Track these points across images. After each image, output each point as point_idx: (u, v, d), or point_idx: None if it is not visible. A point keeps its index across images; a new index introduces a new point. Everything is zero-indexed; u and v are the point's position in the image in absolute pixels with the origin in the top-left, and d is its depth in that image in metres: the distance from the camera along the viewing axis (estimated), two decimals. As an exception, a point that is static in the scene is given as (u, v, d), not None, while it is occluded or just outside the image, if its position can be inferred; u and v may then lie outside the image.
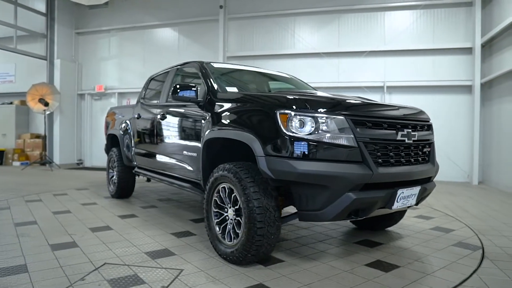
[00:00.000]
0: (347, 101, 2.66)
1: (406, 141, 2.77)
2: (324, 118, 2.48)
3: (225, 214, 2.96)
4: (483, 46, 8.01)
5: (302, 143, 2.46)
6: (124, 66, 10.86)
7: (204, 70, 3.79)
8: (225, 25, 9.90)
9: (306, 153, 2.46)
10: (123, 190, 5.56)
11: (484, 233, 3.91)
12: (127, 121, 5.37)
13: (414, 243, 3.52)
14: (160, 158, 4.34)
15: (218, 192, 3.00)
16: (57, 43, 10.61)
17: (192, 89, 3.45)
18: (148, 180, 5.80)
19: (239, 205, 2.74)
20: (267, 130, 2.58)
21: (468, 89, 8.28)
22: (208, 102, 3.39)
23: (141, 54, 10.70)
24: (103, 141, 11.34)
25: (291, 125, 2.50)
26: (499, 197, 6.27)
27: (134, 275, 2.59)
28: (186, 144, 3.71)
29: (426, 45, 8.55)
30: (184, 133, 3.79)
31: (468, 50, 8.24)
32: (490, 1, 7.91)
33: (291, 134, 2.48)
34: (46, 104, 9.70)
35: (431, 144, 3.10)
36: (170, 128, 4.09)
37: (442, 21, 8.50)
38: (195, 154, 3.52)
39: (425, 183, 2.98)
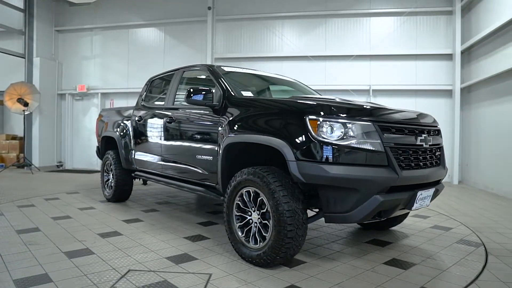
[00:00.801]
0: (373, 107, 2.77)
1: (424, 145, 2.92)
2: (353, 124, 2.58)
3: (249, 217, 2.99)
4: (462, 52, 8.45)
5: (333, 148, 2.55)
6: (107, 66, 10.58)
7: (216, 73, 3.80)
8: (213, 27, 9.88)
9: (337, 157, 2.55)
10: (121, 193, 5.45)
11: (479, 230, 4.15)
12: (126, 123, 5.27)
13: (420, 242, 3.69)
14: (167, 161, 4.30)
15: (241, 196, 3.03)
16: (36, 40, 10.19)
17: (207, 93, 3.46)
18: (145, 183, 5.72)
19: (266, 209, 2.79)
20: (297, 135, 2.65)
21: (448, 93, 8.71)
22: (225, 106, 3.41)
23: (125, 54, 10.47)
24: (85, 142, 11.17)
25: (321, 131, 2.57)
26: (481, 196, 6.64)
27: (164, 281, 2.58)
28: (199, 147, 3.71)
29: (409, 50, 8.91)
30: (197, 137, 3.78)
31: (449, 56, 8.67)
32: (469, 10, 8.36)
33: (321, 139, 2.56)
34: (26, 104, 9.30)
35: (441, 148, 3.27)
36: (179, 132, 4.07)
37: (424, 28, 8.89)
38: (210, 158, 3.53)
39: (437, 185, 3.15)
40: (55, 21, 10.79)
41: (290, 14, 9.62)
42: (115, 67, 10.51)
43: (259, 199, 2.87)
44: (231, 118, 3.26)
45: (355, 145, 2.56)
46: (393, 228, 4.19)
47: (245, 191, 2.99)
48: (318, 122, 2.59)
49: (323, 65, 9.49)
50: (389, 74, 9.10)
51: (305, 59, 9.50)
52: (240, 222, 3.05)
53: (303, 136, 2.62)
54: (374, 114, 2.68)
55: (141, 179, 5.42)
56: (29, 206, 5.14)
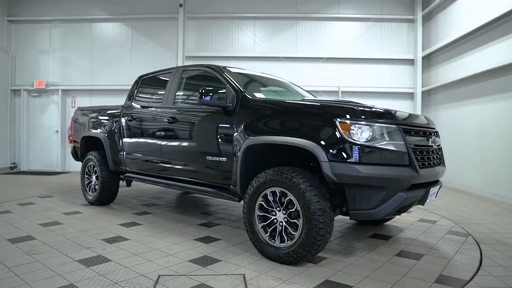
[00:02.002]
0: (396, 112, 2.96)
1: (433, 146, 3.18)
2: (380, 126, 2.75)
3: (273, 217, 3.05)
4: (423, 58, 9.15)
5: (363, 149, 2.70)
6: (69, 61, 9.91)
7: (225, 75, 3.79)
8: (184, 24, 9.69)
9: (366, 158, 2.70)
10: (107, 196, 5.21)
11: (460, 222, 4.59)
12: (113, 123, 5.04)
13: (416, 234, 4.00)
14: (168, 163, 4.19)
15: (265, 196, 3.08)
16: (-15, 31, 9.28)
17: (220, 94, 3.46)
18: (128, 185, 5.51)
19: (295, 208, 2.87)
20: (329, 137, 2.75)
21: (410, 96, 9.39)
22: (239, 108, 3.42)
23: (88, 49, 9.89)
24: (43, 142, 10.36)
25: (352, 133, 2.71)
26: (447, 191, 7.27)
27: (201, 284, 2.56)
28: (209, 149, 3.67)
29: (375, 54, 9.44)
30: (206, 138, 3.74)
31: (411, 61, 9.35)
32: (429, 19, 9.08)
33: (352, 140, 2.70)
34: (-24, 101, 8.43)
35: (441, 148, 3.58)
36: (185, 132, 3.99)
37: (389, 34, 9.48)
38: (223, 159, 3.52)
39: (439, 182, 3.44)
40: (7, 11, 9.88)
41: (262, 15, 9.73)
42: (77, 63, 9.89)
43: (286, 199, 2.94)
44: (250, 120, 3.28)
45: (382, 146, 2.73)
46: (386, 223, 4.48)
47: (270, 192, 3.05)
48: (349, 125, 2.72)
49: (294, 66, 9.73)
50: (356, 77, 9.57)
51: (277, 60, 9.66)
52: (264, 222, 3.10)
53: (335, 138, 2.73)
54: (398, 118, 2.88)
55: (124, 181, 5.22)
56: (4, 212, 4.71)
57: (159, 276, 2.68)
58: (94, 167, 5.26)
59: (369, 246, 3.53)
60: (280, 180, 2.93)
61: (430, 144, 3.13)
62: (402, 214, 4.96)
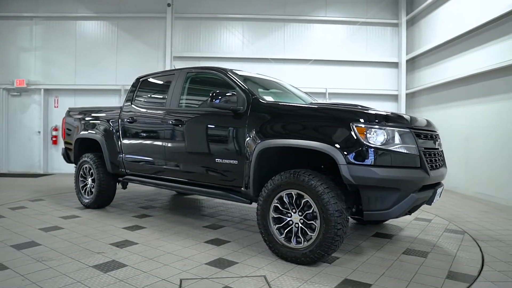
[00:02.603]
0: (408, 116, 3.09)
1: (439, 148, 3.34)
2: (395, 130, 2.86)
3: (288, 218, 3.11)
4: (407, 61, 9.47)
5: (379, 152, 2.80)
6: (51, 60, 9.59)
7: (235, 78, 3.81)
8: (172, 24, 9.59)
9: (382, 160, 2.81)
10: (104, 199, 5.11)
11: (453, 220, 4.81)
12: (111, 124, 4.94)
13: (416, 232, 4.17)
14: (174, 165, 4.16)
15: (280, 198, 3.14)
16: (-39, 26, 8.83)
17: (232, 97, 3.48)
18: (124, 187, 5.41)
19: (312, 210, 2.94)
20: (347, 141, 2.84)
21: (395, 97, 9.70)
22: (251, 111, 3.45)
23: (72, 48, 9.60)
24: (24, 143, 9.95)
25: (368, 137, 2.81)
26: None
27: (226, 287, 2.58)
28: (219, 151, 3.69)
29: (361, 57, 9.70)
30: (216, 140, 3.75)
31: (396, 64, 9.66)
32: (412, 24, 9.41)
33: (369, 144, 2.80)
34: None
35: (443, 151, 3.75)
36: (192, 135, 3.98)
37: (374, 37, 9.75)
38: (235, 162, 3.54)
39: (441, 183, 3.61)
40: (-16, 6, 9.46)
41: (250, 16, 9.77)
42: (61, 62, 9.59)
43: (303, 201, 3.01)
44: (263, 123, 3.33)
45: (397, 150, 2.85)
46: (386, 222, 4.63)
47: (285, 194, 3.10)
48: (365, 129, 2.82)
49: (282, 68, 9.82)
50: (343, 79, 9.79)
51: (265, 61, 9.72)
52: (279, 223, 3.16)
53: (352, 141, 2.82)
54: (410, 122, 3.00)
55: (120, 183, 5.12)
56: (-3, 218, 4.54)
57: (181, 280, 2.68)
58: (90, 169, 5.14)
59: (376, 245, 3.66)
60: (297, 182, 2.99)
61: (436, 146, 3.29)
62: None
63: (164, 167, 4.26)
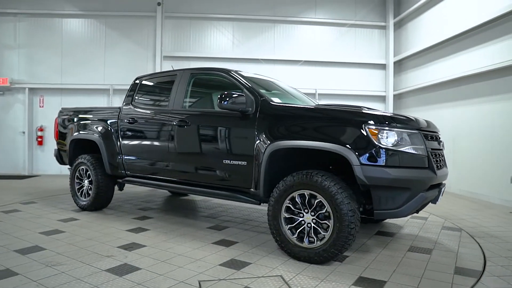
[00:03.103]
0: (417, 118, 3.19)
1: (442, 149, 3.47)
2: (405, 132, 2.96)
3: (300, 219, 3.16)
4: (395, 63, 9.71)
5: (391, 153, 2.89)
6: (36, 58, 9.30)
7: (241, 79, 3.83)
8: (162, 24, 9.48)
9: (394, 161, 2.89)
10: (102, 201, 5.02)
11: (449, 218, 4.99)
12: (110, 125, 4.86)
13: (416, 230, 4.30)
14: (178, 166, 4.14)
15: (292, 199, 3.18)
16: None
17: (241, 98, 3.50)
18: (121, 188, 5.32)
19: (326, 210, 3.00)
20: (360, 142, 2.91)
21: (383, 98, 9.92)
22: (261, 112, 3.48)
23: (58, 46, 9.34)
24: (7, 144, 9.61)
25: (380, 138, 2.89)
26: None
27: (246, 287, 2.60)
28: (227, 152, 3.69)
29: (349, 59, 9.86)
30: (223, 142, 3.75)
31: (383, 66, 9.88)
32: (399, 27, 9.65)
33: (381, 145, 2.88)
34: None
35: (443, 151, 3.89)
36: (198, 136, 3.96)
37: (362, 39, 9.94)
38: (244, 163, 3.55)
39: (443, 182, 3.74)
40: (-36, 1, 9.08)
41: (240, 16, 9.78)
42: (46, 60, 9.31)
43: (316, 201, 3.06)
44: (273, 125, 3.36)
45: (407, 150, 2.94)
46: (384, 221, 4.75)
47: (298, 194, 3.15)
48: (378, 131, 2.90)
49: (273, 68, 9.88)
50: (332, 79, 9.94)
51: (255, 62, 9.75)
52: (291, 224, 3.20)
53: (365, 143, 2.90)
54: (419, 124, 3.11)
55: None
56: (-9, 222, 4.39)
57: (200, 282, 2.68)
58: (87, 171, 5.04)
59: (380, 243, 3.76)
60: (310, 183, 3.04)
61: (440, 147, 3.41)
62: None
63: (168, 168, 4.23)
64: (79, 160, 5.12)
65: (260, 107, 3.51)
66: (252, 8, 9.84)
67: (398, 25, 9.67)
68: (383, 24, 9.84)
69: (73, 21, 9.43)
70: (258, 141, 3.42)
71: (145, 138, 4.52)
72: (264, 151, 3.34)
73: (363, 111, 3.12)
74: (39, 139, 9.25)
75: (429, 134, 3.22)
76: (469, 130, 6.89)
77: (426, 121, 3.46)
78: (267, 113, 3.46)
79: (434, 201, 3.32)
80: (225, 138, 3.76)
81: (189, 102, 4.26)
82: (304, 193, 3.12)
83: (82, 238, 3.75)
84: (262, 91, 4.00)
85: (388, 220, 4.74)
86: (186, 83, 4.28)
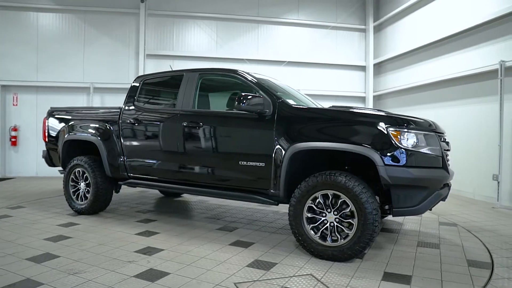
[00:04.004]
0: (432, 121, 3.36)
1: (450, 150, 3.69)
2: (423, 134, 3.13)
3: (323, 218, 3.24)
4: (374, 65, 10.08)
5: (411, 154, 3.04)
6: (9, 54, 8.74)
7: (256, 81, 3.85)
8: (145, 21, 9.24)
9: (415, 161, 3.05)
10: (101, 204, 4.85)
11: (441, 214, 5.27)
12: (110, 126, 4.70)
13: (416, 226, 4.53)
14: (190, 168, 4.08)
15: (314, 199, 3.26)
16: None
17: (258, 99, 3.53)
18: (117, 191, 5.17)
19: (349, 209, 3.10)
20: (383, 144, 3.04)
21: (362, 99, 10.28)
22: (279, 114, 3.52)
23: (33, 41, 8.85)
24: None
25: (402, 140, 3.04)
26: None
27: (283, 286, 2.65)
28: (243, 154, 3.70)
29: (331, 60, 10.12)
30: (240, 143, 3.75)
31: (363, 68, 10.23)
32: (379, 30, 10.03)
33: (402, 147, 3.02)
34: None
35: (444, 151, 4.13)
36: (211, 138, 3.94)
37: (343, 41, 10.23)
38: (261, 164, 3.58)
39: None
40: None
41: (224, 16, 9.74)
42: (20, 56, 8.79)
43: (339, 200, 3.16)
44: (294, 127, 3.41)
45: (425, 151, 3.11)
46: (384, 218, 4.94)
47: (321, 194, 3.23)
48: (399, 133, 3.04)
49: (256, 69, 9.89)
50: (314, 80, 10.15)
51: (240, 62, 9.74)
52: (313, 223, 3.28)
53: (388, 144, 3.03)
54: (434, 126, 3.29)
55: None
56: (-16, 229, 4.12)
57: (236, 284, 2.69)
58: (83, 173, 4.85)
59: (390, 240, 3.93)
60: (334, 183, 3.13)
61: (448, 148, 3.62)
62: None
63: (178, 169, 4.16)
64: (75, 162, 4.91)
65: (278, 109, 3.55)
66: (236, 8, 9.83)
67: (378, 29, 10.05)
68: (363, 27, 10.18)
69: (49, 15, 8.97)
70: (278, 142, 3.47)
71: (152, 140, 4.42)
72: (285, 153, 3.39)
73: (384, 113, 3.26)
74: (13, 140, 8.72)
75: (441, 136, 3.42)
76: (453, 130, 7.28)
77: (434, 123, 3.66)
78: (286, 115, 3.51)
79: (444, 198, 3.52)
80: (241, 140, 3.77)
81: (202, 103, 4.22)
82: (327, 193, 3.21)
83: (93, 244, 3.62)
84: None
85: (387, 218, 4.95)
86: (195, 84, 4.23)
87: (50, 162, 5.49)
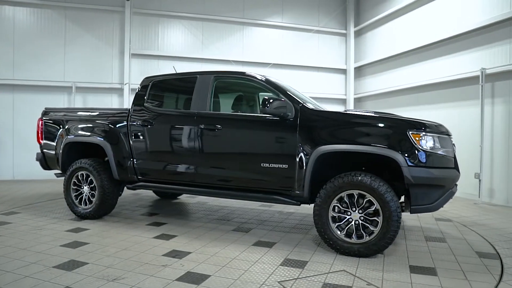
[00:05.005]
0: (443, 125, 3.63)
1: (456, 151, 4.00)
2: (440, 137, 3.39)
3: (348, 216, 3.42)
4: (355, 68, 10.49)
5: (430, 155, 3.29)
6: (-19, 49, 8.21)
7: (277, 85, 3.95)
8: (131, 20, 9.02)
9: (434, 162, 3.31)
10: (106, 208, 4.74)
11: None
12: (118, 128, 4.59)
13: (415, 223, 4.84)
14: (208, 170, 4.10)
15: (339, 199, 3.42)
16: None
17: (281, 102, 3.65)
18: (120, 194, 5.06)
19: (374, 207, 3.30)
20: (405, 146, 3.26)
21: (343, 101, 10.66)
22: (301, 118, 3.65)
23: (10, 37, 8.34)
24: None
25: (422, 142, 3.28)
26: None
27: (326, 283, 2.79)
28: (266, 156, 3.79)
29: (313, 63, 10.40)
30: (262, 146, 3.83)
31: (344, 71, 10.61)
32: (359, 35, 10.45)
33: (423, 149, 3.27)
34: None
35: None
36: (232, 140, 3.99)
37: (325, 45, 10.55)
38: (285, 166, 3.69)
39: None
40: None
41: (210, 17, 9.72)
42: (-6, 52, 8.28)
43: (365, 200, 3.34)
44: (318, 130, 3.56)
45: (441, 153, 3.38)
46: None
47: (346, 194, 3.41)
48: (420, 136, 3.28)
49: (242, 70, 9.99)
50: (297, 82, 10.31)
51: (226, 63, 9.77)
52: (338, 222, 3.44)
53: (410, 147, 3.26)
54: (447, 129, 3.56)
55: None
56: (-12, 237, 3.90)
57: (280, 283, 2.79)
58: (87, 176, 4.71)
59: (399, 236, 4.15)
60: (360, 183, 3.32)
61: (455, 149, 3.93)
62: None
63: (195, 172, 4.17)
64: (78, 165, 4.75)
65: (300, 113, 3.68)
66: (221, 9, 9.84)
67: (358, 34, 10.47)
68: (344, 32, 10.56)
69: (27, 10, 8.51)
70: (301, 145, 3.60)
71: (165, 142, 4.38)
72: (311, 155, 3.53)
73: (404, 118, 3.49)
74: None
75: (451, 138, 3.71)
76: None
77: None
78: (309, 118, 3.65)
79: (452, 197, 3.82)
80: (263, 142, 3.85)
81: (219, 105, 4.26)
82: (353, 193, 3.39)
83: (116, 249, 3.56)
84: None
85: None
86: (210, 86, 4.25)
87: (46, 165, 5.26)
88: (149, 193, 6.69)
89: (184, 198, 6.48)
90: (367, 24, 9.85)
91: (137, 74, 9.17)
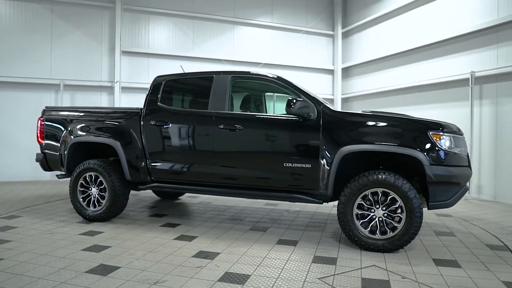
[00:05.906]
0: (457, 125, 3.84)
1: (464, 150, 4.24)
2: (456, 137, 3.60)
3: (372, 214, 3.56)
4: (343, 69, 10.75)
5: (449, 154, 3.49)
6: (-40, 44, 7.73)
7: (297, 87, 4.02)
8: (122, 17, 8.79)
9: (451, 161, 3.51)
10: (117, 209, 4.63)
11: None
12: (128, 127, 4.49)
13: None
14: (228, 171, 4.11)
15: (363, 197, 3.56)
16: None
17: (305, 104, 3.74)
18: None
19: (398, 205, 3.46)
20: (427, 146, 3.43)
21: (331, 101, 10.89)
22: (324, 119, 3.76)
23: (-8, 30, 7.92)
24: None
25: (441, 142, 3.47)
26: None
27: (363, 278, 2.90)
28: (289, 156, 3.86)
29: (302, 63, 10.56)
30: (285, 146, 3.90)
31: (332, 71, 10.85)
32: (346, 37, 10.72)
33: (442, 148, 3.46)
34: None
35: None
36: (253, 140, 4.03)
37: (313, 46, 10.75)
38: (308, 165, 3.78)
39: None
40: None
41: (201, 15, 9.65)
42: (-27, 47, 7.81)
43: (389, 197, 3.49)
44: (341, 130, 3.68)
45: (458, 152, 3.59)
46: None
47: (370, 192, 3.54)
48: (439, 136, 3.47)
49: (232, 69, 9.99)
50: (288, 82, 10.50)
51: (217, 62, 9.75)
52: (364, 219, 3.57)
53: (431, 146, 3.44)
54: (460, 130, 3.78)
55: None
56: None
57: (320, 279, 2.87)
58: (97, 177, 4.58)
59: (409, 231, 4.38)
60: (384, 182, 3.46)
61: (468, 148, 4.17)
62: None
63: (215, 172, 4.16)
64: (86, 166, 4.61)
65: (323, 114, 3.79)
66: (212, 8, 9.79)
67: (346, 35, 10.74)
68: (331, 33, 10.80)
69: (10, 3, 8.09)
70: (325, 144, 3.70)
71: (182, 142, 4.34)
72: (336, 154, 3.64)
73: (423, 119, 3.67)
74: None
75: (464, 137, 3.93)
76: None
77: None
78: (332, 119, 3.76)
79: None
80: (286, 142, 3.92)
81: (239, 106, 4.27)
82: (377, 191, 3.53)
83: (142, 252, 3.50)
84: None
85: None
86: (227, 86, 4.25)
87: (47, 166, 5.06)
88: (149, 194, 6.58)
89: (186, 198, 6.43)
90: (355, 26, 10.13)
91: (127, 72, 8.97)
